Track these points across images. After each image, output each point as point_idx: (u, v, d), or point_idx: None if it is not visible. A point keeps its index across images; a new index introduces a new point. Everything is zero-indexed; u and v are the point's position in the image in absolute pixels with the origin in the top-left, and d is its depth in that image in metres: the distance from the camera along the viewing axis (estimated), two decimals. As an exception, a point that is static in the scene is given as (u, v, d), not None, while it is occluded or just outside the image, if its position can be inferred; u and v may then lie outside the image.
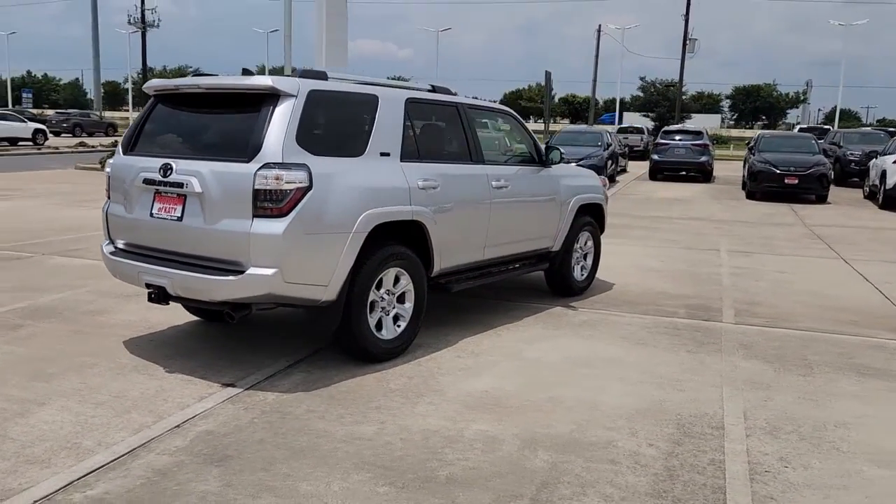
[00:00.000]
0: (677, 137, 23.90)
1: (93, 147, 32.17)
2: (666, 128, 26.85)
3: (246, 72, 5.17)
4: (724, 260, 9.65)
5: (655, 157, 23.82)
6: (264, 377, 4.77)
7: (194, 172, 4.57)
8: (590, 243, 7.47)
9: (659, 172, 23.77)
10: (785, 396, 4.67)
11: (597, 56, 49.32)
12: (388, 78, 6.17)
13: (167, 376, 4.74)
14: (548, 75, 44.38)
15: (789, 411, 4.42)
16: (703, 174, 23.55)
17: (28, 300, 6.56)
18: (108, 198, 5.23)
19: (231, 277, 4.41)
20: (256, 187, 4.34)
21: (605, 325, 6.25)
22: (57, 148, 32.21)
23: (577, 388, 4.74)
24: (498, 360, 5.25)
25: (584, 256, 7.45)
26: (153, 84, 5.15)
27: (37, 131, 34.59)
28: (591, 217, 7.41)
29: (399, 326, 5.22)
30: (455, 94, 6.13)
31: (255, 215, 4.36)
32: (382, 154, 5.04)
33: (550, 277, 7.15)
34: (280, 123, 4.46)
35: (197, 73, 5.29)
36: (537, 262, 6.83)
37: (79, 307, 6.32)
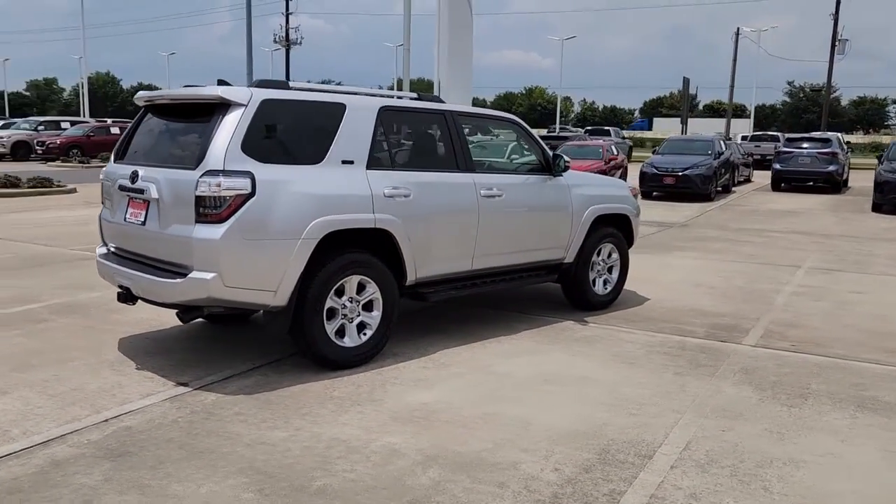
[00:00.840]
0: (803, 145, 22.32)
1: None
2: (790, 135, 25.12)
3: (219, 83, 5.34)
4: (796, 278, 8.88)
5: (777, 166, 22.37)
6: (221, 378, 4.90)
7: (153, 179, 4.80)
8: (615, 256, 7.11)
9: (781, 182, 22.30)
10: (750, 428, 4.24)
11: (734, 60, 46.81)
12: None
13: (132, 373, 4.98)
14: (686, 82, 42.77)
15: (742, 444, 4.01)
16: (831, 185, 21.81)
17: (69, 297, 7.10)
18: (103, 203, 5.58)
19: (176, 280, 4.58)
20: (198, 193, 4.48)
21: (604, 342, 5.93)
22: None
23: (525, 405, 4.53)
24: (463, 373, 5.11)
25: (609, 269, 7.11)
26: (140, 95, 5.45)
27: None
28: (615, 228, 7.05)
29: (365, 335, 5.20)
30: (443, 102, 6.05)
31: (196, 220, 4.51)
32: (345, 162, 5.06)
33: (567, 290, 6.89)
34: (226, 132, 4.59)
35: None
36: (547, 273, 6.59)
37: (103, 305, 6.77)
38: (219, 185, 4.47)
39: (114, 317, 6.40)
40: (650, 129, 63.53)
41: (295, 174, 4.79)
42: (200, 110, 4.83)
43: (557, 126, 57.25)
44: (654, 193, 19.56)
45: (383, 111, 5.38)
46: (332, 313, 5.01)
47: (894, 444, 4.06)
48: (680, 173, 18.90)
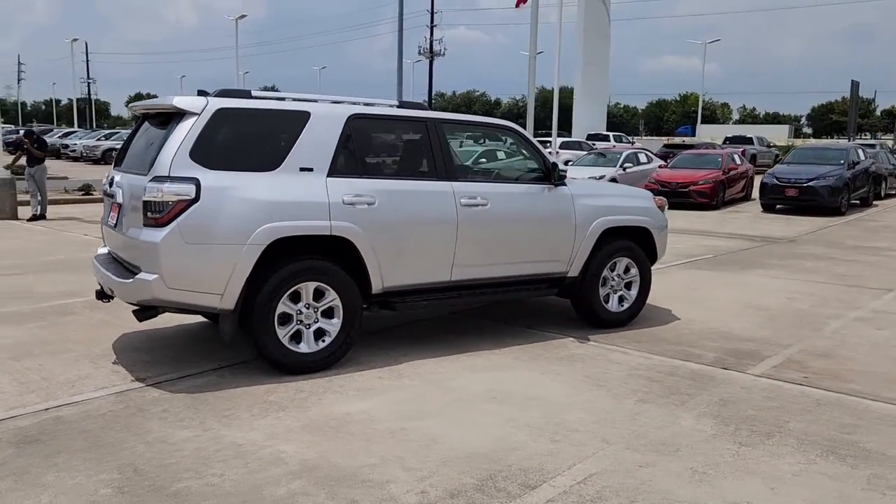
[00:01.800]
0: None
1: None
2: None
3: (198, 93, 5.54)
4: (874, 303, 7.95)
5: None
6: (178, 376, 5.09)
7: (120, 184, 5.08)
8: (633, 271, 6.68)
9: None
10: (676, 465, 3.84)
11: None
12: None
13: (106, 367, 5.28)
14: (854, 86, 39.60)
15: (649, 483, 3.64)
16: None
17: (112, 294, 7.64)
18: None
19: (126, 280, 4.82)
20: (144, 198, 4.69)
21: (587, 362, 5.59)
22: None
23: (447, 422, 4.36)
24: (413, 386, 5.01)
25: (628, 286, 6.69)
26: (133, 106, 5.78)
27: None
28: (632, 242, 6.63)
29: (323, 341, 5.21)
30: (426, 109, 5.95)
31: (144, 224, 4.72)
32: (303, 169, 5.10)
33: (575, 306, 6.56)
34: (176, 139, 4.77)
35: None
36: (548, 287, 6.30)
37: (132, 302, 7.22)
38: (162, 191, 4.65)
39: (128, 313, 6.79)
40: (693, 135, 58.88)
41: (245, 181, 4.89)
42: (166, 119, 5.05)
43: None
44: (777, 206, 18.19)
45: (353, 119, 5.37)
46: (286, 318, 5.06)
47: (829, 498, 3.52)
48: (804, 184, 17.45)
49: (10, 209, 14.22)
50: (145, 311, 4.98)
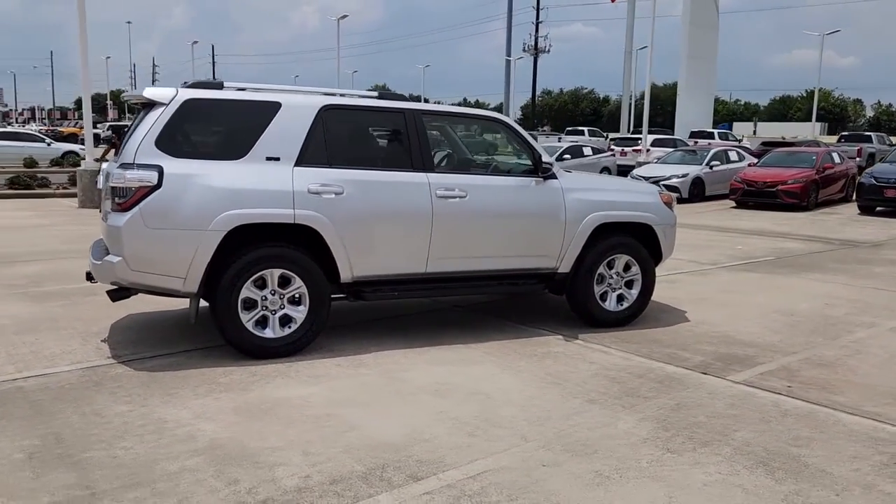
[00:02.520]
0: None
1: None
2: None
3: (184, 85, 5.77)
4: (923, 311, 7.31)
5: None
6: (151, 356, 5.33)
7: (104, 172, 5.37)
8: (634, 269, 6.42)
9: None
10: (584, 466, 3.69)
11: None
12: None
13: (93, 344, 5.59)
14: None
15: (542, 483, 3.51)
16: None
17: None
18: None
19: (97, 262, 5.10)
20: (111, 184, 4.95)
21: (559, 360, 5.43)
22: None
23: (376, 411, 4.37)
24: (365, 375, 5.03)
25: (629, 284, 6.44)
26: (123, 97, 6.05)
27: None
28: (633, 239, 6.37)
29: (289, 328, 5.32)
30: (406, 100, 5.93)
31: (112, 209, 4.97)
32: (269, 158, 5.22)
33: (570, 303, 6.38)
34: (144, 128, 5.00)
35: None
36: (537, 282, 6.16)
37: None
38: (125, 177, 4.89)
39: (145, 297, 7.16)
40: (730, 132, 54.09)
41: (209, 169, 5.05)
42: (145, 109, 5.29)
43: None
44: (878, 209, 16.93)
45: (325, 110, 5.44)
46: (252, 304, 5.20)
47: (726, 510, 3.29)
48: (906, 185, 16.15)
49: (98, 199, 15.25)
50: (117, 291, 5.23)
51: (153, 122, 5.00)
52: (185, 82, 5.42)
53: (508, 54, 55.20)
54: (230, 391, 4.64)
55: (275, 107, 5.32)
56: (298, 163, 5.29)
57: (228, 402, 4.47)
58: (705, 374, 5.22)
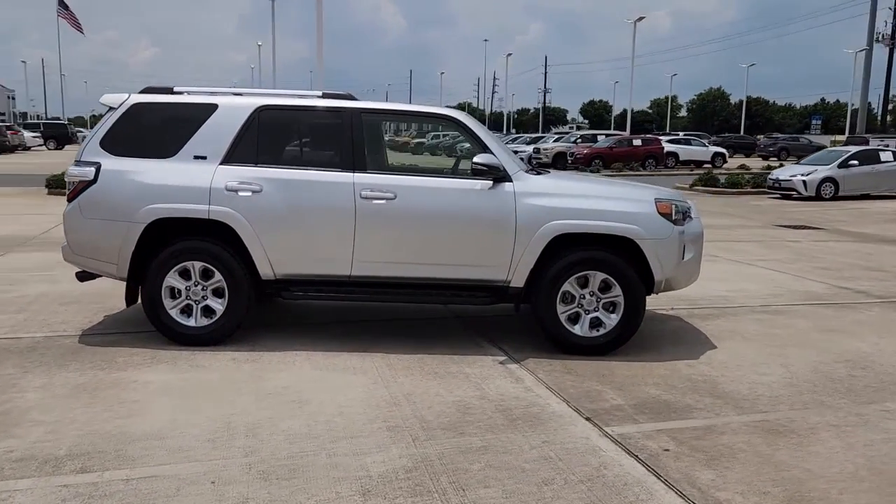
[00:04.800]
0: None
1: (751, 169, 32.46)
2: None
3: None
4: None
5: None
6: (117, 332, 5.95)
7: None
8: (615, 290, 5.48)
9: None
10: (248, 489, 3.39)
11: None
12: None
13: (86, 316, 6.35)
14: None
15: (176, 500, 3.31)
16: None
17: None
18: None
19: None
20: (65, 178, 5.67)
21: (453, 383, 4.89)
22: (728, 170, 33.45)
23: (185, 407, 4.42)
24: (235, 370, 5.05)
25: (608, 307, 5.52)
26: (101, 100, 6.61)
27: (716, 154, 37.02)
28: (613, 254, 5.44)
29: (211, 318, 5.58)
30: (353, 100, 5.73)
31: (67, 200, 5.69)
32: (197, 157, 5.52)
33: (538, 324, 5.67)
34: (95, 130, 5.65)
35: None
36: (488, 295, 5.58)
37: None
38: (69, 173, 5.57)
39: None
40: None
41: (141, 166, 5.51)
42: (107, 113, 5.87)
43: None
44: None
45: (261, 111, 5.58)
46: (176, 293, 5.56)
47: None
48: None
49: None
50: (81, 273, 5.90)
51: (102, 124, 5.62)
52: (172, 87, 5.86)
53: (870, 44, 47.33)
54: (103, 370, 5.00)
55: (211, 108, 5.59)
56: (225, 161, 5.50)
57: (80, 378, 4.81)
58: (588, 419, 4.32)
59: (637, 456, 3.81)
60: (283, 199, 5.42)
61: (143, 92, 5.78)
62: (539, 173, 6.03)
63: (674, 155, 35.61)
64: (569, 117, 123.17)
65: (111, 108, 5.67)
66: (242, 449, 3.81)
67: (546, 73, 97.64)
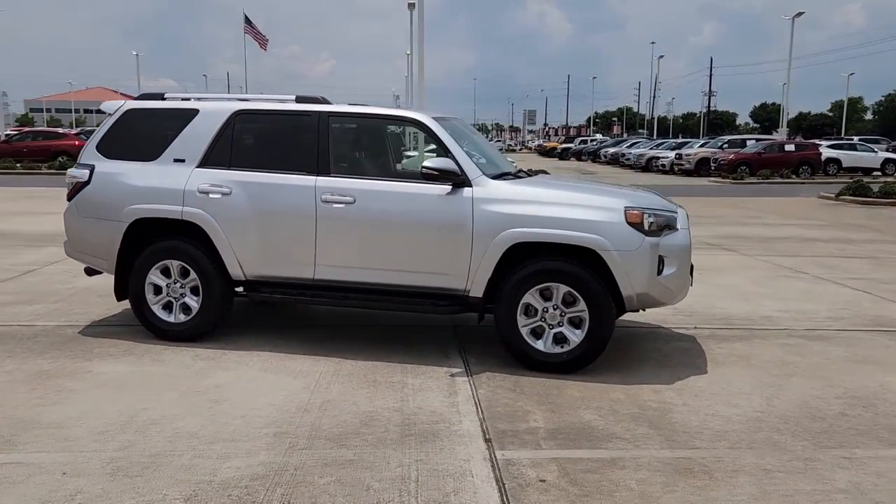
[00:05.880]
0: None
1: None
2: None
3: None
4: None
5: None
6: (120, 324, 6.34)
7: None
8: (580, 305, 5.11)
9: None
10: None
11: None
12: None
13: (106, 307, 6.83)
14: None
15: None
16: None
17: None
18: None
19: (67, 242, 6.29)
20: (66, 179, 6.10)
21: (379, 390, 4.78)
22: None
23: (107, 398, 4.62)
24: (187, 367, 5.20)
25: (574, 323, 5.15)
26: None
27: (888, 161, 33.60)
28: (578, 266, 5.07)
29: (188, 315, 5.80)
30: (325, 103, 5.70)
31: (67, 199, 6.11)
32: (176, 160, 5.75)
33: (499, 336, 5.40)
34: (94, 134, 6.04)
35: None
36: (448, 304, 5.36)
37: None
38: (68, 174, 5.99)
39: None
40: None
41: (127, 169, 5.81)
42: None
43: None
44: None
45: (237, 115, 5.72)
46: (158, 290, 5.83)
47: None
48: None
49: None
50: (89, 268, 6.30)
51: (100, 129, 6.00)
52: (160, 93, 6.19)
53: None
54: (68, 359, 5.31)
55: (193, 113, 5.81)
56: (201, 164, 5.69)
57: (47, 366, 5.15)
58: (489, 441, 4.04)
59: (504, 484, 3.51)
60: (250, 201, 5.52)
61: (137, 99, 6.10)
62: (519, 178, 5.73)
63: (835, 161, 32.63)
64: (739, 121, 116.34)
65: (109, 115, 6.02)
66: (121, 443, 3.91)
67: (711, 75, 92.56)
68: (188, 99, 6.04)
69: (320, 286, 5.56)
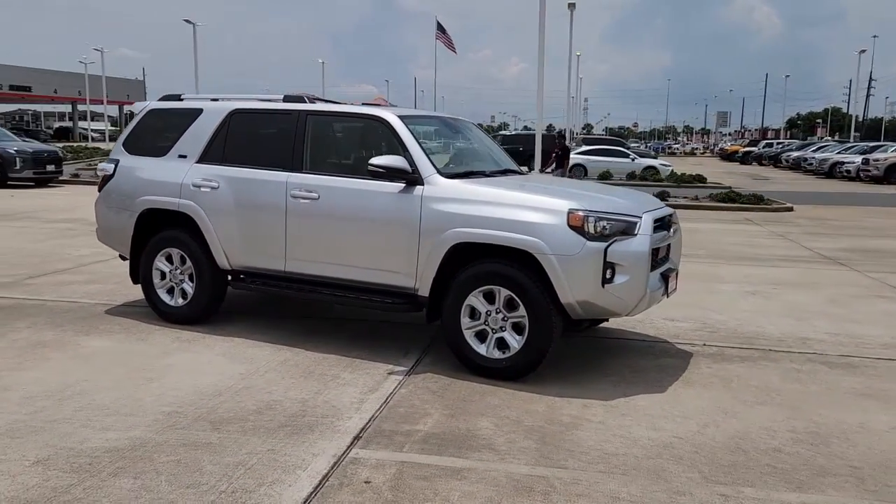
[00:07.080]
0: None
1: None
2: None
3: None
4: None
5: None
6: (122, 301, 6.93)
7: None
8: (521, 311, 4.90)
9: None
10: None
11: None
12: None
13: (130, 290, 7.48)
14: None
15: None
16: None
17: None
18: None
19: (100, 229, 6.94)
20: (96, 172, 6.76)
21: (314, 381, 4.89)
22: None
23: (63, 370, 5.08)
24: (165, 346, 5.59)
25: (517, 328, 4.95)
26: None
27: None
28: (520, 270, 4.87)
29: (185, 300, 6.24)
30: (306, 102, 5.84)
31: (97, 190, 6.75)
32: (180, 156, 6.19)
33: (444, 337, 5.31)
34: (123, 132, 6.65)
35: None
36: (403, 302, 5.32)
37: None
38: (98, 168, 6.64)
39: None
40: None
41: (143, 163, 6.35)
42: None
43: None
44: None
45: (233, 114, 6.06)
46: (163, 275, 6.32)
47: None
48: None
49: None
50: (121, 255, 6.93)
51: (127, 127, 6.60)
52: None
53: None
54: (72, 333, 5.88)
55: (198, 112, 6.23)
56: (201, 160, 6.09)
57: (47, 337, 5.73)
58: (357, 437, 4.02)
59: (326, 482, 3.49)
60: (232, 195, 5.83)
61: (160, 100, 6.64)
62: (490, 177, 5.59)
63: None
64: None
65: (136, 114, 6.61)
66: (36, 408, 4.31)
67: (869, 85, 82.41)
68: (205, 100, 6.48)
69: (291, 279, 5.75)
